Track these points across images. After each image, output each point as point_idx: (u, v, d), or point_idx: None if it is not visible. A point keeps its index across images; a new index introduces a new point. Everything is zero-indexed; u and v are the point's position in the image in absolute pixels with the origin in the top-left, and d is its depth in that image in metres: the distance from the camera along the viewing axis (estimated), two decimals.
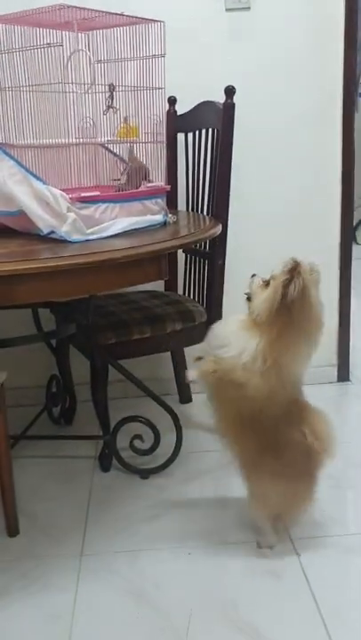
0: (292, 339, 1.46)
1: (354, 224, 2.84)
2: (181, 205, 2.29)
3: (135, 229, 1.66)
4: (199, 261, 2.21)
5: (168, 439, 1.98)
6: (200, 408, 2.41)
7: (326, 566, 1.57)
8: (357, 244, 4.78)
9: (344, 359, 2.60)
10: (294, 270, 1.44)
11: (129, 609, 1.48)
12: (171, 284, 2.37)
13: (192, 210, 2.24)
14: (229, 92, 1.95)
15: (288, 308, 1.44)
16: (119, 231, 1.62)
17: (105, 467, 2.04)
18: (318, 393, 2.49)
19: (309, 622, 1.41)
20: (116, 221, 1.61)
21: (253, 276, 1.56)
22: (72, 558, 1.65)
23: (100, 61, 1.69)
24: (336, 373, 2.61)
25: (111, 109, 1.58)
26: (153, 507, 1.84)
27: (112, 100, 1.59)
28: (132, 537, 1.72)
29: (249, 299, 1.55)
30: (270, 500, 1.57)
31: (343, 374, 2.61)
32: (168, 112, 2.24)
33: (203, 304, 2.17)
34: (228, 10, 2.27)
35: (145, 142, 1.75)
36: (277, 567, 1.57)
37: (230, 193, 2.03)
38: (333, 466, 1.60)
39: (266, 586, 1.52)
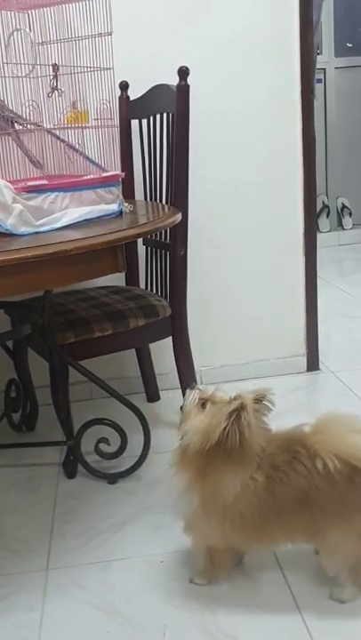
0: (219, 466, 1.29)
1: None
2: (139, 195, 2.20)
3: (89, 220, 1.56)
4: (160, 253, 2.11)
5: (136, 440, 1.88)
6: (168, 406, 2.32)
7: (305, 567, 1.49)
8: (320, 232, 4.75)
9: (313, 348, 2.55)
10: (241, 409, 1.25)
11: (100, 625, 1.38)
12: (132, 279, 2.27)
13: (150, 199, 2.15)
14: (183, 73, 1.86)
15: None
16: (71, 222, 1.51)
17: (70, 473, 1.94)
18: (288, 383, 2.49)
19: (293, 627, 1.33)
20: (68, 212, 1.51)
21: (193, 387, 1.34)
22: (37, 573, 1.54)
23: (43, 43, 1.58)
24: (305, 363, 2.55)
25: (56, 92, 1.48)
26: (122, 513, 1.75)
27: (57, 81, 1.49)
28: (101, 547, 1.62)
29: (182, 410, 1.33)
30: (343, 552, 1.33)
31: (313, 363, 2.56)
32: (120, 98, 2.14)
33: (166, 298, 2.08)
34: None
35: (96, 127, 1.65)
36: (255, 570, 1.49)
37: (189, 180, 1.95)
38: None
39: (244, 591, 1.44)
